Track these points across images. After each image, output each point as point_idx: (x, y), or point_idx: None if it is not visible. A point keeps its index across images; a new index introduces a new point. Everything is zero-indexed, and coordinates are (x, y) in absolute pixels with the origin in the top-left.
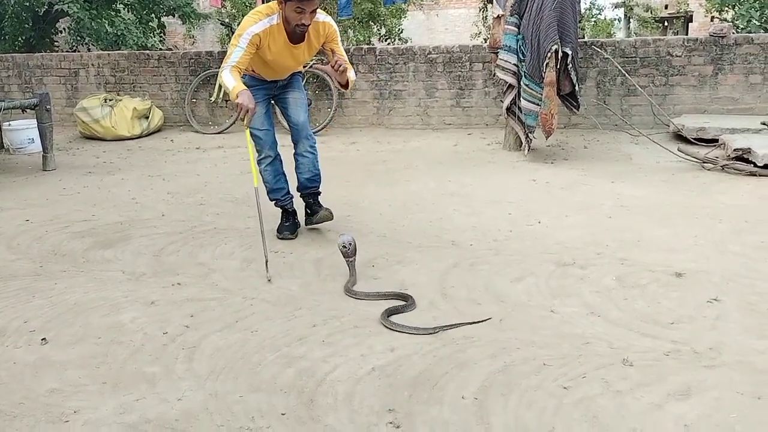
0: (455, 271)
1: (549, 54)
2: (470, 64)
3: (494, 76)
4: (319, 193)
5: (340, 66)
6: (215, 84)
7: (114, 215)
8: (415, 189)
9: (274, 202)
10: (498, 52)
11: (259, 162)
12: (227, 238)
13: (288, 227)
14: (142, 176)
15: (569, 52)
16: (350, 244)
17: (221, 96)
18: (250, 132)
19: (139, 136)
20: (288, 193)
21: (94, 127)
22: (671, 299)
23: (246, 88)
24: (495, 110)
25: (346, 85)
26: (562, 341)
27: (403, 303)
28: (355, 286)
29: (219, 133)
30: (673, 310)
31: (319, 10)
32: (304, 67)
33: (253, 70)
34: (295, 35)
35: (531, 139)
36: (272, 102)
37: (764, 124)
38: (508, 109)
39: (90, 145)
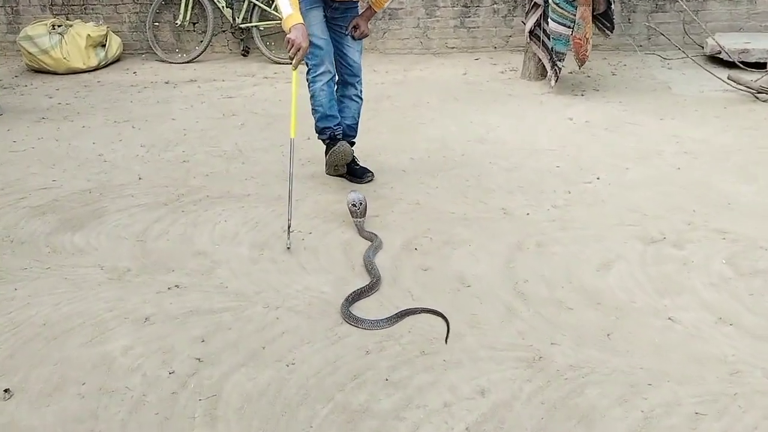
0: (521, 257)
1: None
2: None
3: None
4: (353, 144)
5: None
6: (182, 4)
7: (80, 180)
8: (435, 134)
9: (324, 132)
10: None
11: (314, 80)
12: (225, 211)
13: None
14: (106, 122)
15: None
16: (360, 203)
17: (188, 18)
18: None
19: (96, 68)
20: (340, 123)
21: (42, 59)
22: None
23: (302, 22)
24: (504, 31)
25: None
26: (702, 370)
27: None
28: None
29: (189, 62)
30: None
31: None
32: None
33: None
34: None
35: (560, 68)
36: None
37: None
38: (531, 32)
39: (40, 81)
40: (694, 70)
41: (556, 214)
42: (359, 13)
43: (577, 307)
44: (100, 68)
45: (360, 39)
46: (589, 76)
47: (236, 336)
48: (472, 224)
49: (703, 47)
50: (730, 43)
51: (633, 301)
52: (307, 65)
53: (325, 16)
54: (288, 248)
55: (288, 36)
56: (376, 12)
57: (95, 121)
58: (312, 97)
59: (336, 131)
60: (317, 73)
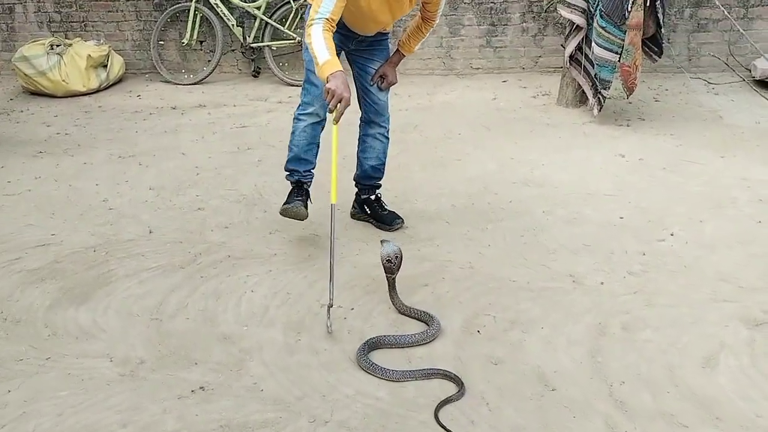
0: (608, 345)
1: None
2: None
3: (546, 12)
4: (379, 186)
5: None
6: (188, 21)
7: (82, 233)
8: (473, 173)
9: (292, 174)
10: None
11: (299, 118)
12: (250, 277)
13: (300, 199)
14: (110, 158)
15: None
16: (396, 257)
17: (195, 36)
18: (306, 74)
19: (97, 90)
20: (312, 171)
21: (39, 81)
22: None
23: (341, 68)
24: (533, 51)
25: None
26: None
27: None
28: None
29: (196, 83)
30: None
31: None
32: None
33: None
34: None
35: (604, 97)
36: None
37: None
38: (571, 56)
39: (37, 105)
40: (743, 95)
41: (636, 284)
42: (389, 48)
43: (693, 424)
44: (101, 90)
45: (387, 89)
46: (630, 103)
47: None
48: (538, 297)
49: (750, 70)
50: None
51: (758, 414)
52: (302, 99)
53: (343, 50)
54: (329, 332)
55: (327, 86)
56: (405, 56)
57: (98, 156)
58: (292, 133)
59: (305, 177)
60: (304, 112)
